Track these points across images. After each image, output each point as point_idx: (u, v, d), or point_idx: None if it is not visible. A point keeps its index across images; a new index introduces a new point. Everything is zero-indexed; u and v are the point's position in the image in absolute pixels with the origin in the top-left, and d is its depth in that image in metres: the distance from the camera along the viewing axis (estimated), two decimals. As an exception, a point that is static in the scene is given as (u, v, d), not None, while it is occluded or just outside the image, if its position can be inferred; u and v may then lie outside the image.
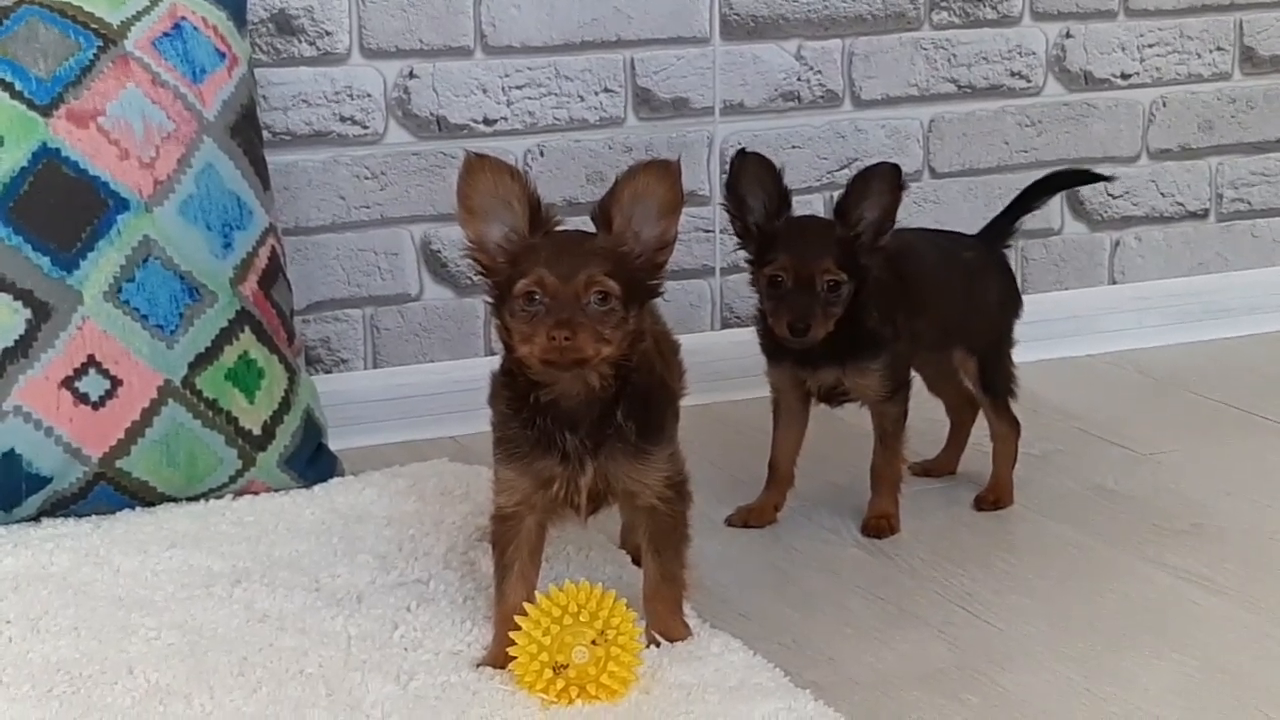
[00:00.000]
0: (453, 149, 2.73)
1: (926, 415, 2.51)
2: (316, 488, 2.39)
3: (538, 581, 1.92)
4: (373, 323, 2.75)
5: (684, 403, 2.04)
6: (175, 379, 2.30)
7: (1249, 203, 3.26)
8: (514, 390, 1.88)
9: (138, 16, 2.36)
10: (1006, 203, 2.55)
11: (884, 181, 2.24)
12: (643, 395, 1.88)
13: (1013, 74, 3.06)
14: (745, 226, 2.26)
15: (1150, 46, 3.14)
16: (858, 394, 2.32)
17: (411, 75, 2.72)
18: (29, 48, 2.30)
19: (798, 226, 2.28)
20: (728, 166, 2.28)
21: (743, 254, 2.30)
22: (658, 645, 1.91)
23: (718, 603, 2.10)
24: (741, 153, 2.27)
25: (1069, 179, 2.64)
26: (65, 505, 2.28)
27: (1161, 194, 3.19)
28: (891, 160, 2.28)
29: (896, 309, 2.30)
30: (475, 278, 1.91)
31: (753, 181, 2.25)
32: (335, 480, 2.42)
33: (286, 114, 2.66)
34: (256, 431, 2.36)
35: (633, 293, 1.82)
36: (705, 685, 1.84)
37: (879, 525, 2.34)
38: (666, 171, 1.83)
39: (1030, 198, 2.53)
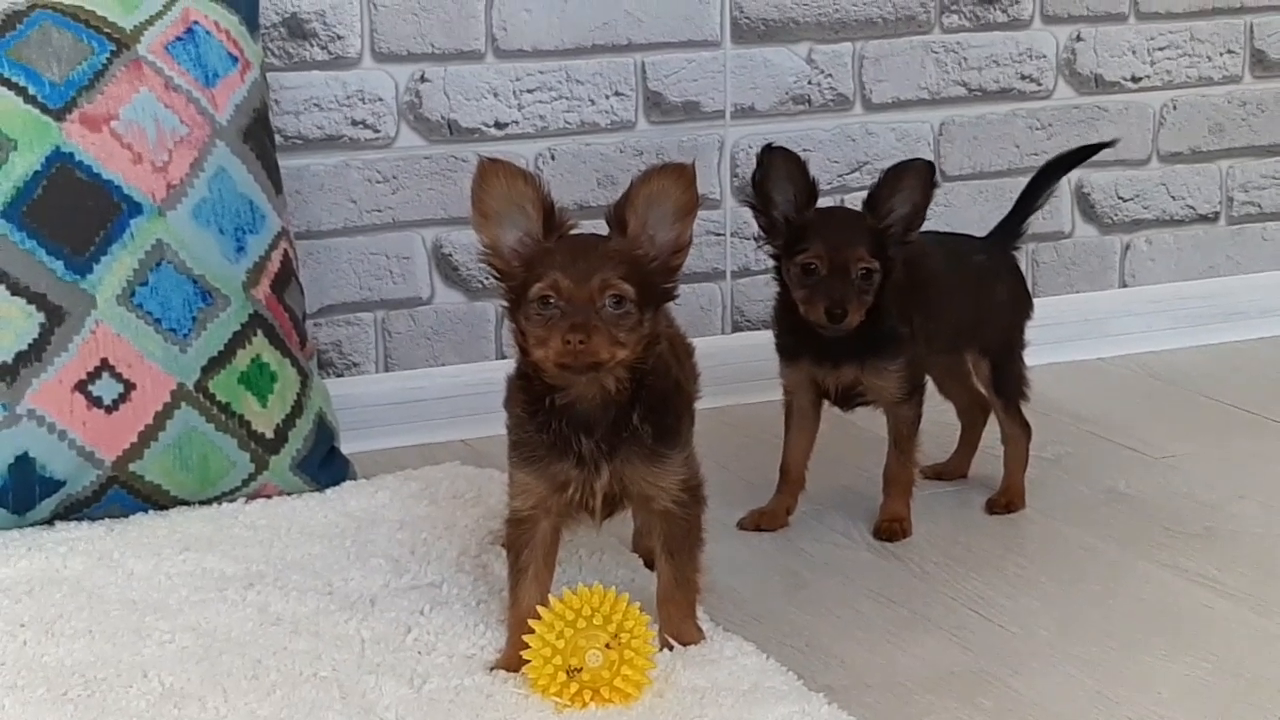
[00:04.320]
0: (464, 153, 2.73)
1: (938, 418, 2.51)
2: (329, 491, 2.40)
3: (551, 585, 1.93)
4: (384, 326, 2.76)
5: (695, 406, 2.04)
6: (188, 382, 2.31)
7: (1260, 206, 3.26)
8: (529, 394, 1.88)
9: (150, 21, 2.36)
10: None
11: (917, 177, 2.25)
12: (658, 398, 1.88)
13: (1023, 77, 3.06)
14: (771, 221, 2.27)
15: (1161, 49, 3.14)
16: (874, 395, 2.32)
17: (423, 79, 2.72)
18: (42, 52, 2.30)
19: (830, 216, 2.29)
20: (755, 161, 2.28)
21: (764, 251, 2.31)
22: (671, 649, 1.92)
23: (730, 606, 2.11)
24: (768, 148, 2.27)
25: (1067, 161, 2.59)
26: (78, 509, 2.28)
27: (1172, 197, 3.19)
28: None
29: (911, 311, 2.31)
30: (490, 282, 1.91)
31: (780, 175, 2.26)
32: (347, 483, 2.43)
33: (298, 118, 2.66)
34: (269, 435, 2.36)
35: (648, 296, 1.82)
36: (718, 688, 1.84)
37: (891, 529, 2.35)
38: (682, 174, 1.83)
39: (1034, 193, 2.52)
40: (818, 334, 2.27)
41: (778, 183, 2.26)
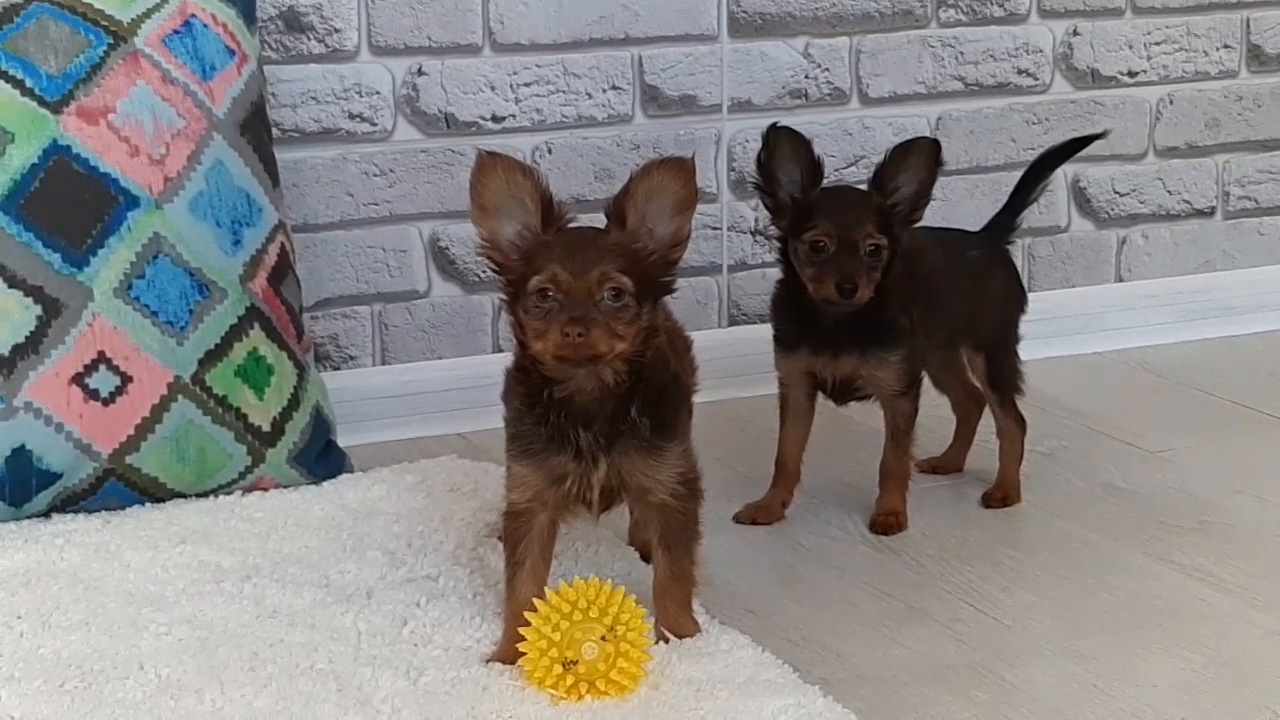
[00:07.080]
0: (461, 146, 2.74)
1: (933, 413, 2.52)
2: (326, 484, 2.40)
3: (548, 578, 1.93)
4: (381, 319, 2.76)
5: (693, 400, 2.04)
6: (185, 375, 2.31)
7: (1256, 200, 3.26)
8: (528, 387, 1.88)
9: (148, 14, 2.36)
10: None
11: (923, 156, 2.25)
12: (657, 391, 1.89)
13: (1020, 71, 3.06)
14: (777, 201, 2.27)
15: (1157, 44, 3.14)
16: (872, 387, 2.32)
17: (420, 72, 2.72)
18: (40, 45, 2.30)
19: (836, 194, 2.29)
20: (761, 141, 2.28)
21: (769, 233, 2.32)
22: (667, 641, 1.92)
23: (726, 599, 2.11)
24: (773, 127, 2.27)
25: (1059, 154, 2.58)
26: (75, 501, 2.28)
27: (1168, 192, 3.19)
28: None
29: (909, 305, 2.31)
30: (488, 275, 1.91)
31: (786, 155, 2.26)
32: (344, 476, 2.43)
33: (295, 111, 2.66)
34: (266, 428, 2.36)
35: (646, 289, 1.82)
36: (714, 681, 1.85)
37: (887, 522, 2.35)
38: (681, 168, 1.84)
39: (1028, 187, 2.52)
40: (818, 322, 2.27)
41: (783, 163, 2.26)
